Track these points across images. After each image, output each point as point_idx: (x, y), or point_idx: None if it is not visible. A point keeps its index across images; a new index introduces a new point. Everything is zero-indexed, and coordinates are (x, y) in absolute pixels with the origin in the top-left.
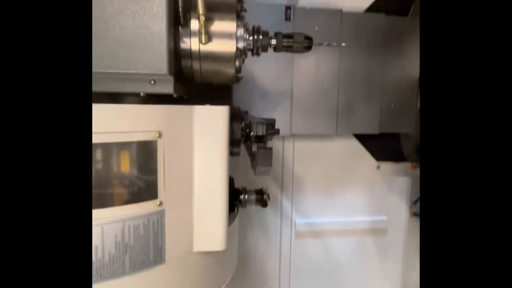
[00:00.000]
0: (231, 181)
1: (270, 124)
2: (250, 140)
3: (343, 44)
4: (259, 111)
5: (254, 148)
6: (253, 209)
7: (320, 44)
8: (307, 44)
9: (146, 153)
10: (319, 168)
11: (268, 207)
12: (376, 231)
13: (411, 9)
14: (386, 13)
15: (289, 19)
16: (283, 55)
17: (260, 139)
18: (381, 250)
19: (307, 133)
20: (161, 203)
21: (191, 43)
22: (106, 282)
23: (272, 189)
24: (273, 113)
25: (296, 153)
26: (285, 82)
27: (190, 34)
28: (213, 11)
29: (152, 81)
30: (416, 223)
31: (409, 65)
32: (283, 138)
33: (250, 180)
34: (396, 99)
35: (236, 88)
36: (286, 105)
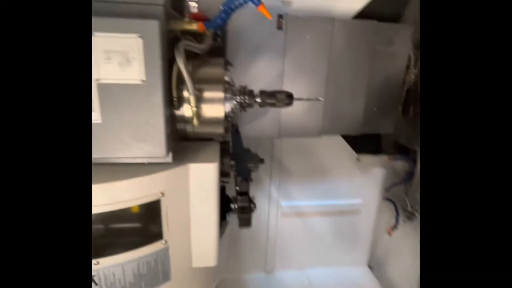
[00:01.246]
0: (223, 189)
1: (253, 161)
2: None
3: (321, 98)
4: (250, 113)
5: (239, 202)
6: None
7: (300, 99)
8: (288, 101)
9: (152, 209)
10: (305, 159)
11: (258, 193)
12: (351, 212)
13: (402, 16)
14: (378, 19)
15: (281, 28)
16: (273, 63)
17: (244, 193)
18: (354, 227)
19: (294, 136)
20: (166, 242)
21: (184, 111)
22: None
23: (262, 177)
24: (264, 117)
25: (284, 148)
26: (275, 87)
27: (183, 103)
28: (203, 83)
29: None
30: (387, 205)
31: (395, 72)
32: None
33: None
34: (379, 103)
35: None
36: (276, 110)
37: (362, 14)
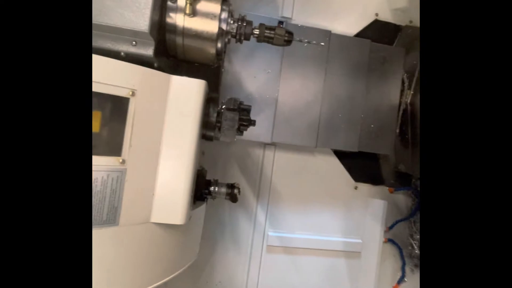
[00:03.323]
0: (203, 173)
1: (245, 110)
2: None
3: (322, 43)
4: None
5: (222, 118)
6: (226, 215)
7: (300, 40)
8: (287, 38)
9: (116, 108)
10: (297, 181)
11: (242, 216)
12: (350, 254)
13: (396, 39)
14: (373, 41)
15: None
16: (271, 65)
17: (231, 109)
18: (353, 275)
19: (288, 142)
20: (123, 161)
21: (176, 19)
22: None
23: (248, 197)
24: (256, 119)
25: (275, 163)
26: (271, 90)
27: (176, 10)
28: None
29: (134, 42)
30: (390, 249)
31: (390, 91)
32: (264, 145)
33: (228, 179)
34: (376, 121)
35: (222, 89)
36: (270, 113)
37: (358, 36)
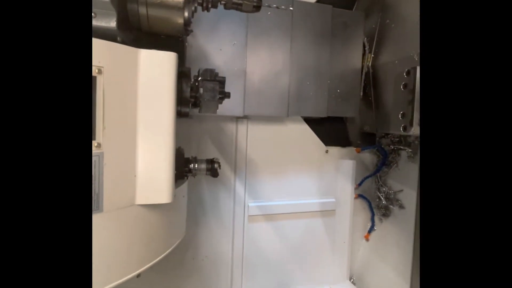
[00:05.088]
0: (181, 151)
1: (220, 82)
2: (197, 86)
3: (291, 8)
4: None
5: (201, 90)
6: (205, 192)
7: (269, 6)
8: (257, 4)
9: None
10: (271, 152)
11: (221, 190)
12: (325, 213)
13: (356, 3)
14: (333, 5)
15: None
16: (236, 36)
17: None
18: (329, 231)
19: (260, 114)
20: (99, 145)
21: None
22: None
23: (226, 171)
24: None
25: (249, 136)
26: (239, 62)
27: None
28: None
29: (93, 14)
30: (360, 203)
31: (352, 55)
32: (237, 120)
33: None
34: (341, 85)
35: (187, 64)
36: (240, 85)
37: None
